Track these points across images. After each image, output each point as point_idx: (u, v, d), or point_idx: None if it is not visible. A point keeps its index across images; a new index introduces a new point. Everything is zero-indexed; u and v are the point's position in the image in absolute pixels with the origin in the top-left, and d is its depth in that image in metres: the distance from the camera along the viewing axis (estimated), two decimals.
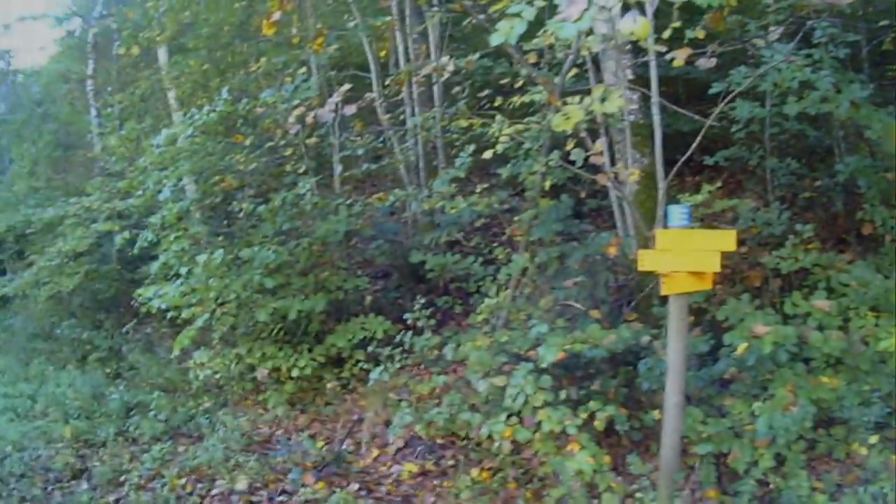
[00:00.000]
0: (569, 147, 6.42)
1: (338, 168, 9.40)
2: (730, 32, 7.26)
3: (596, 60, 7.49)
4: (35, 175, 16.20)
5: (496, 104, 7.54)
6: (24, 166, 16.89)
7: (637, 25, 4.02)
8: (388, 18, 9.56)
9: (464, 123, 7.22)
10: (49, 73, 19.47)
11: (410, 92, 9.39)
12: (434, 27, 9.49)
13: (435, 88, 9.19)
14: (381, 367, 7.30)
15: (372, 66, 9.85)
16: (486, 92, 8.59)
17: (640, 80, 6.87)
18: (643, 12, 5.57)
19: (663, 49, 5.69)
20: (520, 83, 7.57)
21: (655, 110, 6.37)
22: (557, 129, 5.46)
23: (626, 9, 4.46)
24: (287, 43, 10.66)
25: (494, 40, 4.17)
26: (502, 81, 8.42)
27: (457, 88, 8.55)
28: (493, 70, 9.19)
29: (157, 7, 10.46)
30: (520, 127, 6.83)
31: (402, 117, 9.72)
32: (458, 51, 9.51)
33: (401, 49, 9.79)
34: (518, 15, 4.10)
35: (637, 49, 7.02)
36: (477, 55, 7.88)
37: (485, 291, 7.79)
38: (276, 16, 6.23)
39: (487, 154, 6.79)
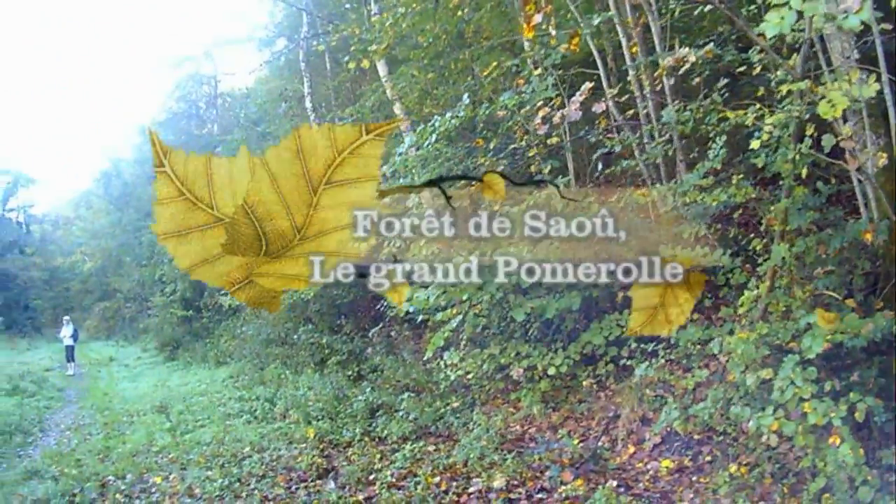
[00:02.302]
0: (809, 133, 6.22)
1: (572, 166, 9.43)
2: None
3: (823, 41, 7.20)
4: None
5: (759, 94, 7.34)
6: None
7: None
8: (611, 14, 9.47)
9: (730, 115, 7.05)
10: (261, 93, 20.52)
11: (641, 86, 9.26)
12: (655, 21, 9.33)
13: (666, 81, 9.03)
14: (646, 364, 7.25)
15: (599, 63, 9.78)
16: (723, 81, 8.38)
17: (865, 59, 6.56)
18: None
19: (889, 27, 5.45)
20: (756, 70, 7.37)
21: (888, 90, 6.07)
22: (825, 116, 5.32)
23: None
24: (502, 46, 10.80)
25: (769, 32, 4.13)
26: (740, 70, 8.18)
27: (696, 79, 8.36)
28: (723, 59, 8.94)
29: (381, 21, 10.82)
30: (781, 116, 6.62)
31: (636, 112, 9.60)
32: (678, 42, 9.29)
33: (624, 43, 9.67)
34: (787, 4, 4.04)
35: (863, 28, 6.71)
36: (710, 45, 7.73)
37: (734, 283, 7.63)
38: (538, 18, 6.33)
39: (755, 144, 6.63)
